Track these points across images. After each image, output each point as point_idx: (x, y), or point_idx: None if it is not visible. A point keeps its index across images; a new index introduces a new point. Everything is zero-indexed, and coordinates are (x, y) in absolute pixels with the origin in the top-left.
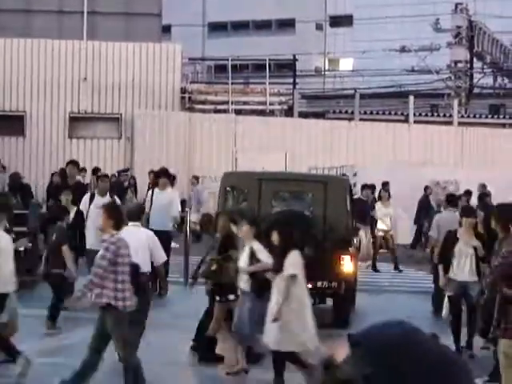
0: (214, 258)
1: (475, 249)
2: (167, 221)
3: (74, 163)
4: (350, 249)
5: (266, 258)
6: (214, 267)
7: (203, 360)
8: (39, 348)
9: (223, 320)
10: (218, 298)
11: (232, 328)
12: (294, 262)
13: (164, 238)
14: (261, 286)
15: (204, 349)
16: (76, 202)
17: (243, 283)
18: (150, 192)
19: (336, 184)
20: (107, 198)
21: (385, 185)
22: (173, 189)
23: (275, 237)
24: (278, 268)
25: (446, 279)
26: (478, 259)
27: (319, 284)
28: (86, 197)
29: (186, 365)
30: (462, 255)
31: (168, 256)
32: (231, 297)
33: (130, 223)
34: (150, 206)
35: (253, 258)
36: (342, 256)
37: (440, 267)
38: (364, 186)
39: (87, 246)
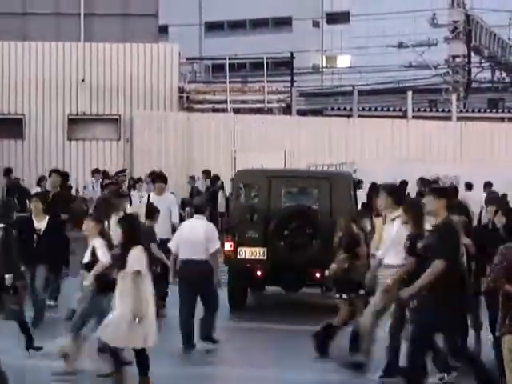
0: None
1: (466, 247)
2: (168, 227)
3: (57, 172)
4: None
5: (102, 255)
6: (346, 265)
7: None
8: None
9: (348, 318)
10: (344, 296)
11: None
12: (136, 257)
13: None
14: (103, 285)
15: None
16: (51, 210)
17: (87, 281)
18: (146, 197)
19: (341, 179)
20: None
21: (422, 180)
22: (169, 193)
23: (120, 233)
24: (121, 265)
25: None
26: (470, 258)
27: (327, 273)
28: (93, 206)
29: (190, 365)
30: None
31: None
32: (352, 294)
33: (195, 215)
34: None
35: (94, 255)
36: None
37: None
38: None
39: None
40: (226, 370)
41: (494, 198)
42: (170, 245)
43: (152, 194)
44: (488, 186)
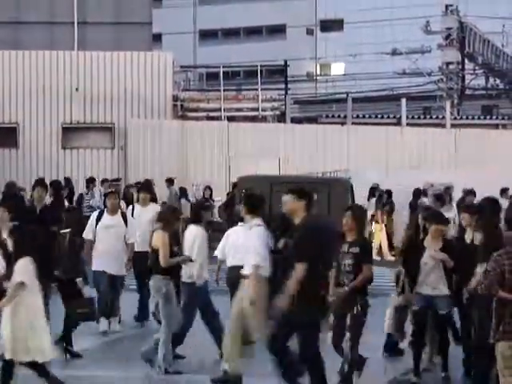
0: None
1: (442, 262)
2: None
3: (42, 184)
4: None
5: None
6: None
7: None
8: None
9: None
10: None
11: None
12: (21, 268)
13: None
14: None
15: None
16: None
17: None
18: (130, 208)
19: (338, 184)
20: (117, 217)
21: (448, 189)
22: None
23: (11, 244)
24: (9, 275)
25: (412, 294)
26: (449, 270)
27: None
28: (93, 215)
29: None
30: (428, 267)
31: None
32: None
33: (240, 223)
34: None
35: None
36: None
37: (405, 280)
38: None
39: (96, 268)
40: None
41: (470, 205)
42: (216, 252)
43: (136, 205)
44: (504, 192)
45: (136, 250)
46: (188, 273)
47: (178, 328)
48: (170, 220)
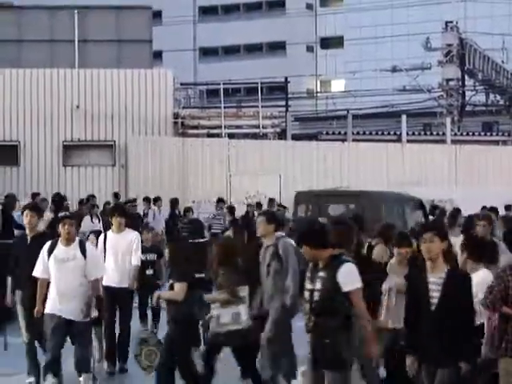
0: None
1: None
2: (128, 274)
3: (33, 210)
4: None
5: None
6: None
7: None
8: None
9: None
10: None
11: None
12: None
13: (127, 297)
14: None
15: None
16: None
17: None
18: (102, 237)
19: (370, 196)
20: (74, 247)
21: (457, 211)
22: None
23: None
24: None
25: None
26: None
27: None
28: (44, 247)
29: None
30: (393, 295)
31: (130, 317)
32: None
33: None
34: (104, 255)
35: None
36: None
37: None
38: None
39: (47, 311)
40: None
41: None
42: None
43: (109, 232)
44: (508, 209)
45: (111, 284)
46: None
47: None
48: (390, 235)
